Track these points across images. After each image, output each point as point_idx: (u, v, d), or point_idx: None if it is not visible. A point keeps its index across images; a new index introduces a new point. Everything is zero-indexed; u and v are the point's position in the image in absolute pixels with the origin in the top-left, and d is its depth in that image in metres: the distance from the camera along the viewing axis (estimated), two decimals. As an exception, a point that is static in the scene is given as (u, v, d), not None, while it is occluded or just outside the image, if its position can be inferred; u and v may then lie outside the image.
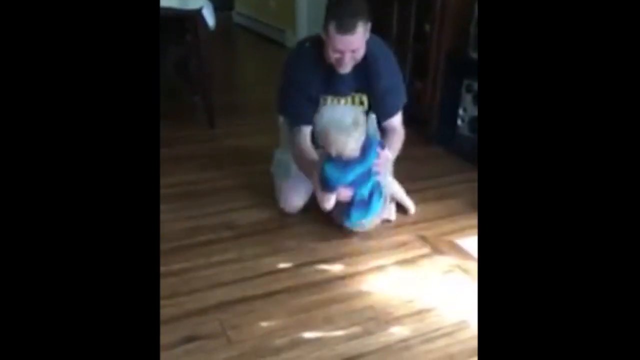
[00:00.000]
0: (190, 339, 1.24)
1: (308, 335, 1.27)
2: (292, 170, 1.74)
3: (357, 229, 1.66)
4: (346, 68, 1.58)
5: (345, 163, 1.51)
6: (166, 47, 3.18)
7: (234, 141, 2.42)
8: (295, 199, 1.74)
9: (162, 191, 1.94)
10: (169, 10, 2.25)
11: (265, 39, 4.50)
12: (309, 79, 1.63)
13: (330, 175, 1.51)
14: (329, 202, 1.55)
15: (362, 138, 1.52)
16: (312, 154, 1.67)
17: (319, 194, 1.57)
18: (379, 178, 1.59)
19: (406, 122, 2.50)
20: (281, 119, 1.90)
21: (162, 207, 1.83)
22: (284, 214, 1.78)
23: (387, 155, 1.63)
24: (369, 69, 1.62)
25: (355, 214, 1.57)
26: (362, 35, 1.51)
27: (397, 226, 1.76)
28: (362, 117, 1.54)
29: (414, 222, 1.78)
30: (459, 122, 2.38)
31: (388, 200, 1.68)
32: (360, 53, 1.55)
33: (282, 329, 1.28)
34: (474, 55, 2.16)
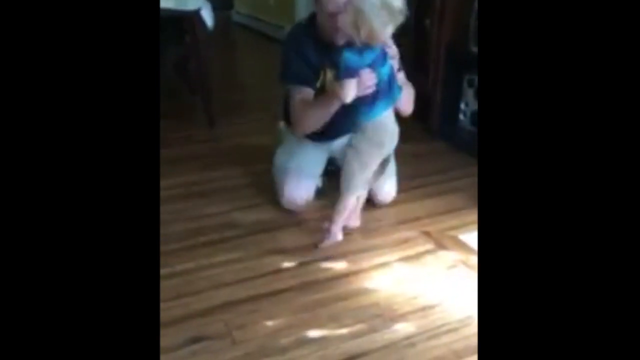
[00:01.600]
0: (195, 340, 1.24)
1: (313, 333, 1.27)
2: (292, 167, 1.74)
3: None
4: (342, 35, 1.56)
5: (361, 48, 1.36)
6: (165, 47, 3.18)
7: (235, 140, 2.42)
8: (296, 194, 1.74)
9: (163, 192, 1.95)
10: (167, 11, 2.24)
11: (264, 37, 4.49)
12: (307, 48, 1.64)
13: (349, 60, 1.36)
14: (351, 89, 1.35)
15: (391, 30, 1.37)
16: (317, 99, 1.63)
17: (338, 87, 1.39)
18: (393, 62, 1.47)
19: (407, 117, 2.51)
20: (281, 124, 1.90)
21: (164, 208, 1.83)
22: (286, 213, 1.77)
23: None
24: None
25: (380, 104, 1.41)
26: None
27: (400, 222, 1.75)
28: (404, 8, 1.38)
29: (417, 218, 1.77)
30: (461, 116, 2.37)
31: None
32: None
33: (287, 328, 1.28)
34: (475, 49, 2.14)
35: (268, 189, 1.85)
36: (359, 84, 1.35)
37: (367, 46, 1.35)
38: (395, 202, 1.84)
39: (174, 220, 1.76)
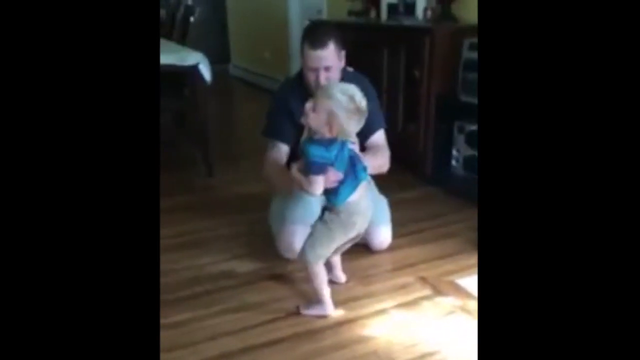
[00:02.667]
0: (190, 393, 1.22)
1: (311, 384, 1.24)
2: (288, 215, 1.76)
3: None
4: None
5: (327, 141, 1.35)
6: (164, 100, 3.27)
7: (232, 189, 2.45)
8: (295, 243, 1.74)
9: (162, 242, 1.96)
10: (167, 66, 2.33)
11: (260, 89, 4.62)
12: (291, 102, 1.69)
13: (316, 155, 1.34)
14: (318, 184, 1.35)
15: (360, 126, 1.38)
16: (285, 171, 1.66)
17: (306, 182, 1.38)
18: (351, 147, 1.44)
19: (401, 164, 2.56)
20: None
21: (162, 257, 1.84)
22: (283, 260, 1.77)
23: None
24: None
25: (345, 189, 1.39)
26: (334, 54, 1.59)
27: (397, 269, 1.76)
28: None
29: (414, 264, 1.77)
30: (453, 162, 2.42)
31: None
32: (334, 74, 1.61)
33: (284, 379, 1.26)
34: (464, 98, 2.22)
35: (265, 237, 1.86)
36: (325, 180, 1.35)
37: (332, 140, 1.35)
38: (391, 248, 1.85)
39: (170, 270, 1.76)
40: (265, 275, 1.72)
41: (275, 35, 4.48)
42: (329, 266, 1.58)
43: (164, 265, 1.77)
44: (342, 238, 1.44)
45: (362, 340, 1.39)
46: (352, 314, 1.50)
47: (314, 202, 1.82)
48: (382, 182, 1.92)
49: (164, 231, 2.02)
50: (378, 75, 2.59)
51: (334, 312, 1.49)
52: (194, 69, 2.37)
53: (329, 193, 1.41)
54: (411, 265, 1.77)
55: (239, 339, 1.40)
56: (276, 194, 1.90)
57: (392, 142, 2.09)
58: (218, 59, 4.49)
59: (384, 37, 2.61)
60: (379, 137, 1.77)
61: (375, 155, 1.69)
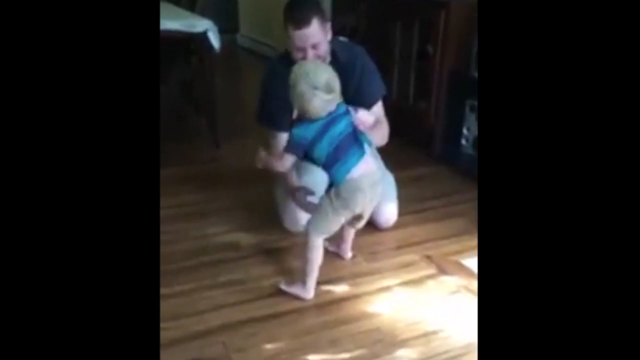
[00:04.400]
0: (193, 362, 1.23)
1: (313, 357, 1.25)
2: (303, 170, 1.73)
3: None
4: None
5: (307, 120, 1.38)
6: (171, 69, 3.23)
7: (239, 161, 2.43)
8: (301, 217, 1.73)
9: (168, 212, 1.96)
10: (175, 32, 2.28)
11: (269, 64, 4.55)
12: (282, 86, 1.61)
13: (294, 133, 1.40)
14: (286, 161, 1.43)
15: (332, 104, 1.38)
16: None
17: (278, 159, 1.45)
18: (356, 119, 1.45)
19: (410, 141, 2.53)
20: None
21: (167, 227, 1.84)
22: (288, 234, 1.77)
23: (364, 116, 1.51)
24: (342, 72, 1.61)
25: (351, 158, 1.38)
26: (319, 30, 1.54)
27: (402, 246, 1.75)
28: (336, 84, 1.39)
29: (419, 242, 1.76)
30: (463, 141, 2.38)
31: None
32: (323, 49, 1.57)
33: (287, 351, 1.27)
34: (477, 74, 2.17)
35: (270, 210, 1.85)
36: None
37: (314, 120, 1.37)
38: (396, 226, 1.84)
39: (176, 240, 1.76)
40: (270, 248, 1.72)
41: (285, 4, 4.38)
42: (339, 239, 1.57)
43: (169, 235, 1.78)
44: (346, 214, 1.42)
45: (366, 316, 1.40)
46: (356, 290, 1.50)
47: (321, 173, 1.79)
48: (389, 158, 1.90)
49: (169, 201, 2.03)
50: (390, 49, 2.53)
51: (310, 298, 1.45)
52: (203, 36, 2.32)
53: (329, 170, 1.39)
54: (417, 243, 1.76)
55: (242, 311, 1.41)
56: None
57: (402, 117, 2.07)
58: (226, 28, 4.41)
59: (397, 10, 2.54)
60: (376, 110, 1.73)
61: (372, 129, 1.63)
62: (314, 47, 1.55)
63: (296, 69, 1.38)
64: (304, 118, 1.38)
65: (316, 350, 1.27)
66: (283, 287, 1.48)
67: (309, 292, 1.45)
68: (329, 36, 1.62)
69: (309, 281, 1.45)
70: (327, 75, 1.37)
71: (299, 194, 1.57)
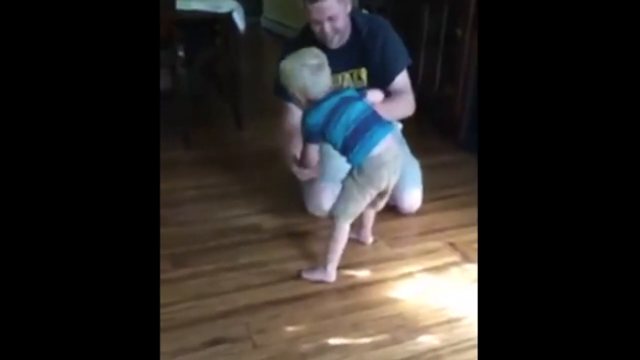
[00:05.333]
0: (216, 342, 1.24)
1: (334, 341, 1.25)
2: (324, 169, 1.72)
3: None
4: (332, 40, 1.59)
5: (315, 105, 1.35)
6: (196, 49, 3.22)
7: (262, 143, 2.42)
8: (324, 201, 1.72)
9: (190, 193, 1.97)
10: (200, 13, 2.28)
11: (291, 40, 4.51)
12: None
13: (305, 122, 1.36)
14: (310, 154, 1.40)
15: (327, 80, 1.36)
16: (297, 136, 1.63)
17: (304, 157, 1.43)
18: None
19: (435, 127, 2.49)
20: None
21: (189, 208, 1.86)
22: (311, 217, 1.76)
23: (372, 97, 1.46)
24: (365, 43, 1.66)
25: (378, 131, 1.34)
26: (336, 3, 1.53)
27: (426, 233, 1.73)
28: (326, 66, 1.36)
29: (443, 229, 1.74)
30: (490, 128, 2.33)
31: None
32: (341, 22, 1.56)
33: (308, 334, 1.27)
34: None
35: (293, 193, 1.84)
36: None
37: (315, 105, 1.34)
38: (420, 212, 1.81)
39: (198, 220, 1.77)
40: (292, 231, 1.71)
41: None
42: (359, 224, 1.56)
43: (192, 215, 1.80)
44: (372, 192, 1.39)
45: (388, 301, 1.39)
46: (378, 275, 1.49)
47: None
48: (414, 144, 1.87)
49: (192, 182, 2.05)
50: (417, 32, 2.48)
51: (332, 281, 1.44)
52: (228, 16, 2.31)
53: (347, 153, 1.36)
54: (440, 230, 1.74)
55: (264, 292, 1.41)
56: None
57: (427, 103, 2.02)
58: (250, 11, 4.39)
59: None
60: (399, 80, 1.69)
61: (395, 101, 1.61)
62: (331, 19, 1.54)
63: (291, 58, 1.37)
64: (309, 105, 1.36)
65: (337, 333, 1.27)
66: (305, 274, 1.47)
67: (331, 275, 1.45)
68: (349, 8, 1.60)
69: (332, 263, 1.44)
70: (315, 58, 1.35)
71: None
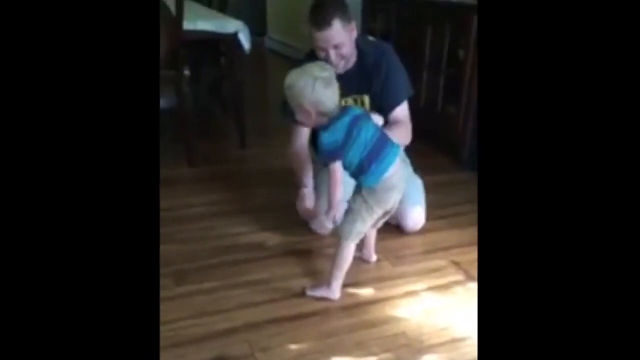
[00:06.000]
0: (218, 360, 1.23)
1: (338, 360, 1.24)
2: (324, 192, 1.73)
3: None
4: (338, 66, 1.59)
5: (329, 124, 1.31)
6: (201, 69, 3.27)
7: (266, 162, 2.44)
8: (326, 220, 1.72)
9: (194, 210, 1.98)
10: (206, 33, 2.31)
11: (297, 63, 4.57)
12: None
13: (322, 142, 1.31)
14: (335, 178, 1.32)
15: (336, 96, 1.32)
16: (307, 157, 1.71)
17: (330, 206, 1.37)
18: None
19: (438, 147, 2.50)
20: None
21: (193, 225, 1.86)
22: (314, 235, 1.76)
23: (378, 120, 1.50)
24: (370, 71, 1.67)
25: (389, 155, 1.34)
26: (342, 31, 1.54)
27: (430, 252, 1.72)
28: (335, 81, 1.33)
29: (448, 248, 1.73)
30: (493, 147, 2.34)
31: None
32: (346, 50, 1.58)
33: (312, 353, 1.25)
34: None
35: (296, 211, 1.84)
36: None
37: (330, 123, 1.31)
38: (424, 231, 1.81)
39: (202, 238, 1.77)
40: (296, 250, 1.71)
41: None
42: (362, 243, 1.56)
43: (196, 233, 1.79)
44: (379, 212, 1.40)
45: (392, 320, 1.37)
46: (382, 294, 1.48)
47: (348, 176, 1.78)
48: (418, 163, 1.88)
49: (197, 199, 2.05)
50: (420, 53, 2.51)
51: (337, 298, 1.43)
52: (234, 37, 2.34)
53: (362, 174, 1.35)
54: (444, 249, 1.73)
55: (268, 310, 1.40)
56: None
57: (431, 123, 2.02)
58: (255, 31, 4.46)
59: (428, 13, 2.52)
60: (400, 111, 1.71)
61: (394, 131, 1.61)
62: (337, 47, 1.56)
63: (295, 74, 1.34)
64: (319, 121, 1.33)
65: (341, 352, 1.26)
66: (309, 292, 1.46)
67: (335, 292, 1.44)
68: (354, 35, 1.62)
69: (337, 281, 1.43)
70: (325, 71, 1.32)
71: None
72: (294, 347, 1.27)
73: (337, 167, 1.32)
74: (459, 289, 1.51)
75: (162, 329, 1.30)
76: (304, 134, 1.73)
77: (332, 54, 1.57)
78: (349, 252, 1.42)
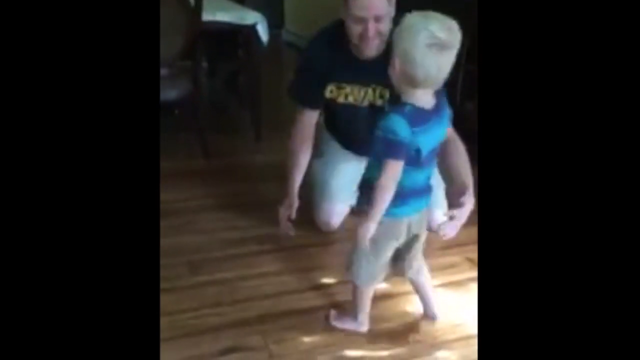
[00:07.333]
0: (231, 350, 1.24)
1: (350, 353, 1.23)
2: (327, 189, 1.68)
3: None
4: (372, 45, 1.35)
5: (415, 115, 1.03)
6: (218, 61, 3.27)
7: (280, 155, 2.43)
8: (332, 223, 1.70)
9: (208, 201, 1.98)
10: (224, 24, 2.31)
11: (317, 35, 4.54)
12: (324, 57, 1.45)
13: (398, 129, 1.01)
14: (388, 186, 1.05)
15: (439, 69, 1.03)
16: (305, 155, 1.58)
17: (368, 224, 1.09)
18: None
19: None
20: (324, 131, 1.83)
21: (208, 216, 1.86)
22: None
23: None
24: None
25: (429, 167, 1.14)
26: (386, 1, 1.31)
27: (445, 248, 1.70)
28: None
29: (463, 244, 1.71)
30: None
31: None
32: (386, 26, 1.32)
33: (324, 345, 1.26)
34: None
35: (310, 204, 1.84)
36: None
37: (422, 114, 1.05)
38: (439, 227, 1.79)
39: (216, 228, 1.78)
40: (307, 243, 1.70)
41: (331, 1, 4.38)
42: (421, 299, 1.36)
43: (210, 224, 1.80)
44: (392, 245, 1.20)
45: (405, 315, 1.37)
46: (396, 289, 1.47)
47: (355, 169, 1.71)
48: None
49: (211, 191, 2.06)
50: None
51: (366, 330, 1.29)
52: (252, 28, 2.34)
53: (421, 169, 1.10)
54: (459, 245, 1.71)
55: (281, 302, 1.41)
56: (317, 155, 1.79)
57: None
58: (272, 23, 4.45)
59: (449, 4, 2.48)
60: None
61: (458, 153, 1.38)
62: (377, 20, 1.30)
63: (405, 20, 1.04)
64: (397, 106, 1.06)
65: (354, 346, 1.25)
66: (334, 323, 1.31)
67: (364, 324, 1.29)
68: (393, 11, 1.35)
69: (364, 314, 1.29)
70: (444, 32, 1.02)
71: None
72: (307, 339, 1.27)
73: (397, 166, 1.05)
74: (473, 286, 1.50)
75: (176, 317, 1.31)
76: (314, 116, 1.56)
77: (371, 27, 1.30)
78: (367, 293, 1.27)
